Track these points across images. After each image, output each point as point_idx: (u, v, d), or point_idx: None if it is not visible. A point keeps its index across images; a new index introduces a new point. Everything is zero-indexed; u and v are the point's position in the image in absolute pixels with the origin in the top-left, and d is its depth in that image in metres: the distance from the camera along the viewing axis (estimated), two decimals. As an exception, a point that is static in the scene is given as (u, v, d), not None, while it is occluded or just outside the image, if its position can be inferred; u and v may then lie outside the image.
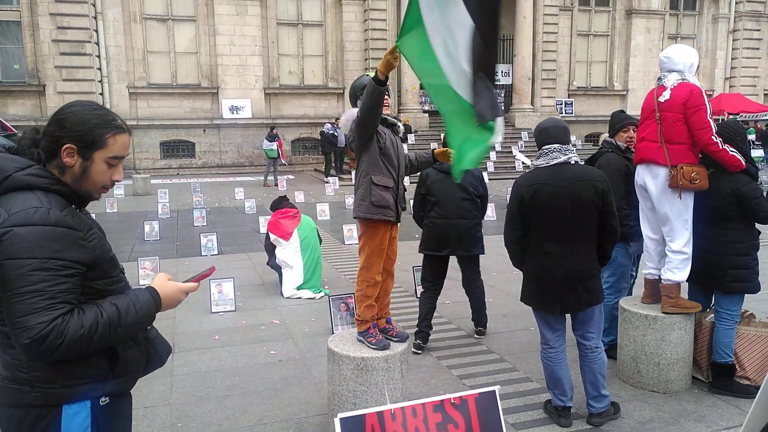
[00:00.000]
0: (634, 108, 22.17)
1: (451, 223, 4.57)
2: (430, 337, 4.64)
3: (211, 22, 19.19)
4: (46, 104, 17.68)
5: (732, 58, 24.00)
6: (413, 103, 20.17)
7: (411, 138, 19.16)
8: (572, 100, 22.73)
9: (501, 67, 21.85)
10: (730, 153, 3.48)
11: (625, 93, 23.20)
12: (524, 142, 19.42)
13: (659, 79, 3.76)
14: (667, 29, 23.35)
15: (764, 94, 24.26)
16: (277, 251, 6.07)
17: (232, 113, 19.61)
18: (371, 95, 2.86)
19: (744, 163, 3.52)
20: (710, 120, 3.48)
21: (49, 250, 1.45)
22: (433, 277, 4.73)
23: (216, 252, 8.09)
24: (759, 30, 23.80)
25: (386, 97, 3.02)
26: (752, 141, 20.96)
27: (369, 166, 3.11)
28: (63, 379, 1.56)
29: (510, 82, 21.56)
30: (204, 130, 19.65)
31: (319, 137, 18.08)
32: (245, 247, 8.53)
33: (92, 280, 1.57)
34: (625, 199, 3.99)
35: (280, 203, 6.57)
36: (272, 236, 6.12)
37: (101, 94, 18.29)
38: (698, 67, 3.65)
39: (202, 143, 19.75)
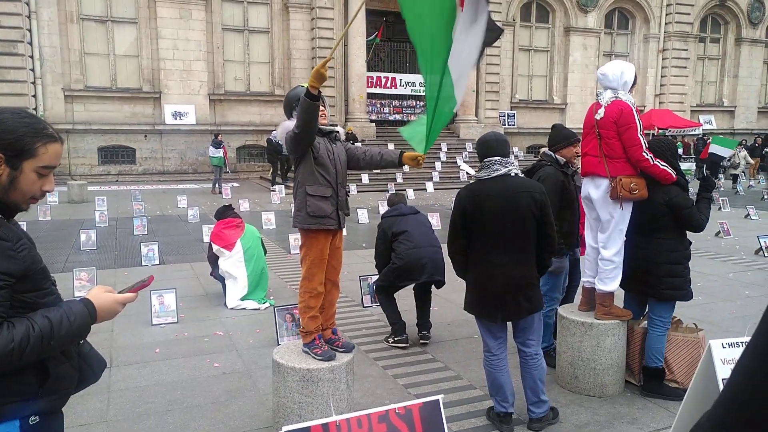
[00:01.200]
0: (572, 121, 23.09)
1: (422, 252, 4.68)
2: (375, 347, 4.67)
3: (154, 25, 18.70)
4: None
5: (662, 76, 25.37)
6: (360, 112, 20.26)
7: (358, 147, 19.19)
8: (515, 112, 23.42)
9: (447, 79, 22.25)
10: (661, 167, 3.69)
11: (564, 106, 24.10)
12: (468, 152, 19.84)
13: (597, 95, 3.94)
14: (602, 47, 24.46)
15: (691, 110, 25.73)
16: (220, 262, 5.96)
17: (176, 119, 19.12)
18: (305, 111, 2.87)
19: (675, 176, 3.73)
20: (640, 137, 3.67)
21: None
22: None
23: (157, 262, 7.85)
24: (686, 50, 25.29)
25: (321, 108, 3.04)
26: (680, 154, 22.25)
27: (304, 177, 3.12)
28: None
29: (455, 94, 21.98)
30: (145, 136, 19.06)
31: (266, 145, 17.87)
32: (188, 256, 8.33)
33: (22, 293, 1.51)
34: (558, 212, 4.15)
35: (224, 213, 6.47)
36: (215, 246, 6.00)
37: (34, 96, 17.47)
38: (634, 83, 3.84)
39: (143, 149, 19.14)
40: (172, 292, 5.51)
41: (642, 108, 25.14)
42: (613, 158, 3.74)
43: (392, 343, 4.78)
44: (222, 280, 6.06)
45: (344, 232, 3.58)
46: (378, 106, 21.55)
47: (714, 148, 15.72)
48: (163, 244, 8.70)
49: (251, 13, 20.04)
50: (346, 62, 20.19)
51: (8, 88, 16.84)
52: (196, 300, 6.19)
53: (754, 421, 0.57)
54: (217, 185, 16.20)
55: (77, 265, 7.07)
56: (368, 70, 20.70)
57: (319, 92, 2.87)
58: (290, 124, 3.19)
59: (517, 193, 3.23)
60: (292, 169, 3.39)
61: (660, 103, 25.19)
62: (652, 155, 3.68)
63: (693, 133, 23.08)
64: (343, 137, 3.43)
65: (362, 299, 6.00)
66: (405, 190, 15.65)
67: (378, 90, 21.44)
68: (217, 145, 15.91)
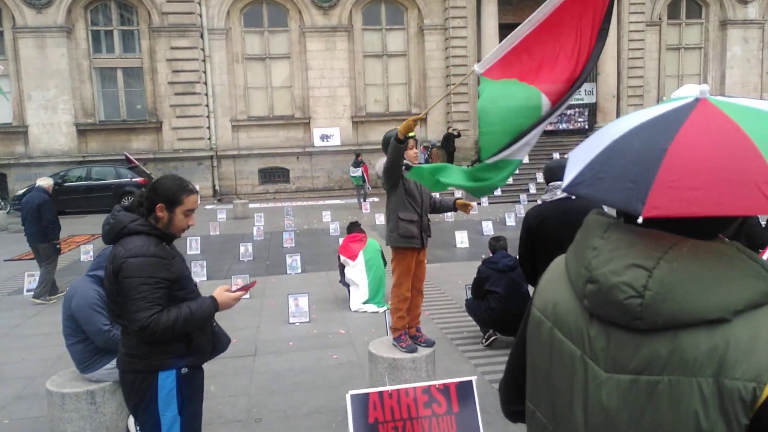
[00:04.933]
0: (731, 122, 21.15)
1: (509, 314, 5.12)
2: (472, 347, 5.24)
3: (304, 58, 20.86)
4: (163, 139, 20.05)
5: None
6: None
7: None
8: (663, 115, 22.03)
9: (584, 86, 21.71)
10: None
11: (721, 106, 22.15)
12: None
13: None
14: (767, 38, 22.10)
15: None
16: (346, 270, 6.92)
17: (323, 141, 21.07)
18: (393, 151, 3.60)
19: None
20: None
21: (148, 272, 2.34)
22: None
23: (300, 270, 9.10)
24: None
25: (412, 148, 3.74)
26: None
27: (396, 204, 3.84)
28: (158, 354, 2.42)
29: (594, 101, 21.39)
30: (297, 158, 21.25)
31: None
32: (325, 266, 9.47)
33: (175, 291, 2.43)
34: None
35: (352, 228, 7.49)
36: (342, 257, 6.99)
37: (208, 127, 20.43)
38: None
39: (295, 169, 21.35)
40: (305, 296, 6.56)
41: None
42: None
43: (485, 344, 5.30)
44: (347, 286, 7.01)
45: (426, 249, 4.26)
46: (512, 118, 21.67)
47: None
48: (306, 255, 9.98)
49: (389, 38, 21.44)
50: (479, 78, 20.65)
51: (189, 123, 19.94)
52: (327, 303, 7.21)
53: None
54: (360, 201, 17.62)
55: (236, 273, 8.52)
56: (502, 83, 20.96)
57: (406, 137, 3.58)
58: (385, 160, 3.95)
59: (574, 214, 3.64)
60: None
61: None
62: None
63: None
64: None
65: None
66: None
67: (512, 102, 21.55)
68: (357, 164, 17.31)
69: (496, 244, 5.76)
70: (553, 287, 1.18)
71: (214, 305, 2.49)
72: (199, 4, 19.76)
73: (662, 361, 0.95)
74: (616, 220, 1.09)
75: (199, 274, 8.59)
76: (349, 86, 21.03)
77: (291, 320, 6.42)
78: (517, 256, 3.97)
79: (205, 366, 2.64)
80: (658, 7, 21.50)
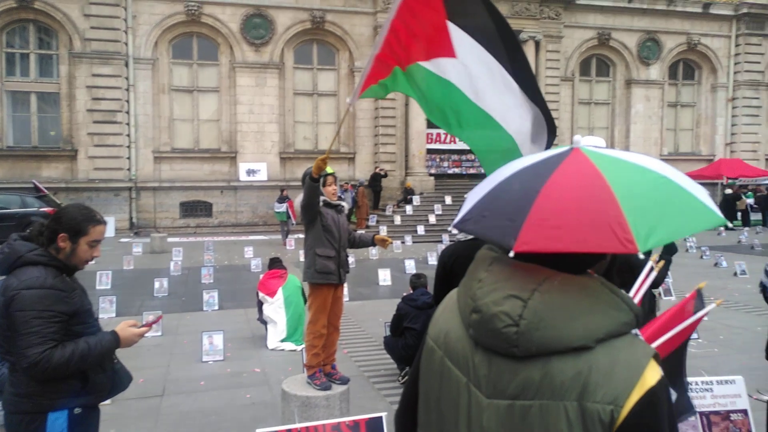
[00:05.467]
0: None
1: None
2: (388, 385, 5.25)
3: (233, 93, 20.72)
4: (78, 167, 19.10)
5: (732, 125, 24.70)
6: (420, 167, 21.18)
7: (417, 199, 20.07)
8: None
9: (505, 133, 22.89)
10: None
11: (627, 158, 23.92)
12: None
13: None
14: (666, 97, 24.29)
15: (766, 159, 24.73)
16: (263, 307, 6.79)
17: (249, 176, 20.80)
18: (307, 189, 3.67)
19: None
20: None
21: (43, 305, 2.22)
22: None
23: (217, 307, 8.83)
24: (758, 98, 24.58)
25: (331, 185, 3.81)
26: (750, 204, 21.39)
27: (313, 240, 3.88)
28: (49, 393, 2.28)
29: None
30: (221, 191, 20.83)
31: (329, 199, 19.05)
32: (244, 303, 9.24)
33: (73, 325, 2.32)
34: None
35: (273, 264, 7.39)
36: (260, 294, 6.86)
37: (128, 158, 19.70)
38: None
39: (219, 203, 20.88)
40: (221, 334, 6.36)
41: (712, 157, 24.50)
42: None
43: (402, 381, 5.34)
44: (265, 324, 6.88)
45: (345, 286, 4.30)
46: (437, 160, 22.40)
47: None
48: (224, 292, 9.71)
49: (320, 78, 21.75)
50: (406, 121, 21.31)
51: (107, 152, 19.17)
52: (243, 341, 7.02)
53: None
54: (284, 237, 17.41)
55: (149, 309, 8.14)
56: (428, 126, 21.71)
57: (320, 176, 3.64)
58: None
59: None
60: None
61: (731, 152, 24.45)
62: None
63: (766, 182, 22.17)
64: (346, 211, 4.19)
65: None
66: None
67: (438, 146, 22.34)
68: (282, 200, 17.19)
69: (417, 281, 5.84)
70: (446, 317, 1.25)
71: (116, 341, 2.39)
72: (126, 32, 19.32)
73: (535, 386, 1.03)
74: (500, 255, 1.18)
75: (107, 310, 8.16)
76: (278, 122, 21.03)
77: (204, 358, 6.19)
78: (433, 294, 4.08)
79: (107, 408, 2.52)
80: (572, 64, 23.18)
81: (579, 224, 1.02)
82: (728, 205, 21.45)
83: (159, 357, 6.31)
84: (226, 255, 14.93)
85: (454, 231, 18.21)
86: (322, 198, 3.82)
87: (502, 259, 1.15)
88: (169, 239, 16.82)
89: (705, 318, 2.01)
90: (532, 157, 1.22)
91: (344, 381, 3.94)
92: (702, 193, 1.11)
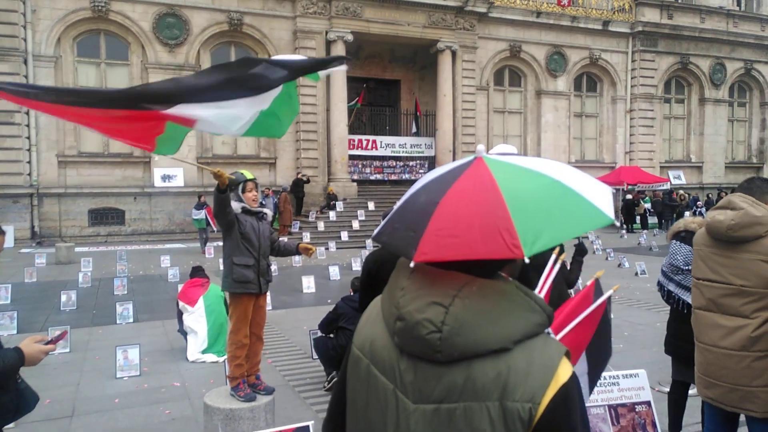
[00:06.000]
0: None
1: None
2: (314, 394, 5.24)
3: (145, 95, 19.80)
4: (-31, 172, 17.56)
5: (630, 134, 26.63)
6: (342, 172, 21.21)
7: (340, 205, 20.09)
8: (492, 170, 24.41)
9: (425, 140, 23.45)
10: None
11: (539, 164, 25.16)
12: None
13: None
14: (573, 108, 25.80)
15: (660, 167, 26.85)
16: (184, 317, 6.56)
17: (164, 182, 19.93)
18: (215, 200, 3.62)
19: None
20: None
21: None
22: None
23: (131, 320, 8.41)
24: (652, 110, 26.67)
25: (251, 191, 3.77)
26: (648, 209, 23.19)
27: (230, 249, 3.82)
28: None
29: (433, 154, 23.10)
30: (135, 198, 19.86)
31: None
32: (161, 314, 8.86)
33: None
34: None
35: (194, 273, 7.16)
36: (180, 303, 6.63)
37: (29, 162, 18.35)
38: None
39: (132, 211, 19.89)
40: (136, 348, 6.08)
41: (613, 165, 26.26)
42: None
43: (327, 387, 5.34)
44: (185, 335, 6.64)
45: (268, 295, 4.25)
46: (360, 166, 22.54)
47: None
48: (139, 303, 9.28)
49: (238, 81, 21.25)
50: (328, 127, 21.28)
51: (4, 156, 17.76)
52: (161, 354, 6.74)
53: None
54: (202, 245, 16.86)
55: (55, 325, 7.63)
56: (350, 133, 21.81)
57: (227, 187, 3.59)
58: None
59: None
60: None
61: (630, 160, 26.32)
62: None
63: (661, 188, 24.08)
64: (269, 218, 4.15)
65: (312, 352, 6.56)
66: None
67: (360, 152, 22.48)
68: (200, 206, 16.66)
69: (358, 283, 5.86)
70: (371, 326, 1.29)
71: (20, 358, 2.23)
72: (24, 27, 18.02)
73: (459, 389, 1.09)
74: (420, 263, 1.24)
75: (7, 326, 7.57)
76: (194, 126, 20.32)
77: (118, 375, 5.89)
78: (358, 300, 4.13)
79: None
80: (486, 74, 24.10)
81: (471, 232, 1.07)
82: (628, 210, 23.09)
83: (67, 375, 5.94)
84: (141, 265, 14.25)
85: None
86: (240, 204, 3.77)
87: (423, 266, 1.20)
88: (77, 249, 15.81)
89: (610, 307, 2.17)
90: (440, 168, 1.30)
91: (269, 391, 3.90)
92: (595, 193, 1.16)
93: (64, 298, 9.30)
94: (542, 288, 2.08)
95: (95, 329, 7.97)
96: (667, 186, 24.16)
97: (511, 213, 1.07)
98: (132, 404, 5.21)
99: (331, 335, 5.49)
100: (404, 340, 1.16)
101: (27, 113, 18.29)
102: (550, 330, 1.23)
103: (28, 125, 18.38)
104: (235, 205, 3.73)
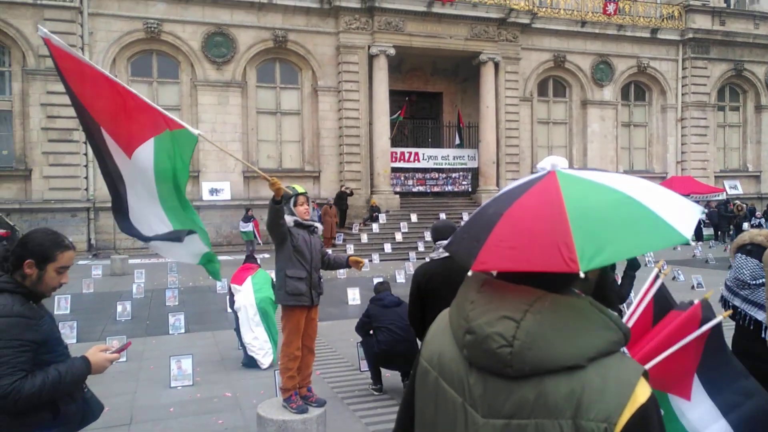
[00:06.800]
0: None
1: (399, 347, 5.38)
2: (363, 406, 5.25)
3: (195, 111, 20.46)
4: (32, 188, 18.47)
5: (682, 144, 25.81)
6: (385, 185, 21.31)
7: (383, 218, 20.16)
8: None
9: (467, 152, 23.32)
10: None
11: (585, 175, 24.63)
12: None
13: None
14: (620, 117, 25.23)
15: (715, 176, 25.89)
16: (235, 297, 6.90)
17: (212, 195, 20.49)
18: (270, 211, 3.69)
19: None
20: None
21: (11, 334, 2.16)
22: None
23: (183, 330, 8.62)
24: (705, 118, 25.80)
25: (303, 205, 3.82)
26: (702, 221, 22.33)
27: (283, 262, 3.87)
28: (19, 427, 2.21)
29: (476, 165, 22.93)
30: (184, 211, 20.41)
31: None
32: (211, 325, 9.07)
33: (41, 354, 2.25)
34: None
35: (246, 260, 7.80)
36: (232, 285, 7.04)
37: (86, 177, 19.16)
38: None
39: (181, 224, 20.44)
40: (189, 358, 6.22)
41: (664, 175, 25.47)
42: None
43: (373, 388, 5.44)
44: (236, 315, 6.87)
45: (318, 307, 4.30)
46: (402, 179, 22.59)
47: None
48: (190, 314, 9.50)
49: (283, 97, 21.74)
50: (371, 140, 21.45)
51: (63, 171, 18.61)
52: (212, 365, 6.88)
53: None
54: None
55: (112, 334, 7.90)
56: (392, 145, 21.92)
57: (282, 198, 3.66)
58: None
59: (457, 273, 3.88)
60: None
61: (682, 170, 25.50)
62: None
63: (717, 198, 23.19)
64: (320, 232, 4.20)
65: (360, 364, 6.57)
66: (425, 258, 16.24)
67: (402, 164, 22.55)
68: (247, 219, 17.01)
69: (381, 287, 6.18)
70: (439, 338, 1.29)
71: (87, 367, 2.31)
72: (82, 49, 18.91)
73: (530, 405, 1.07)
74: (491, 277, 1.23)
75: (68, 336, 7.85)
76: (241, 141, 20.86)
77: (172, 384, 6.04)
78: (408, 313, 4.12)
79: (73, 439, 2.43)
80: (530, 85, 23.86)
81: (531, 245, 1.07)
82: (681, 221, 22.24)
83: (124, 384, 6.12)
84: (190, 276, 14.60)
85: (422, 248, 18.35)
86: (293, 218, 3.83)
87: (493, 280, 1.19)
88: (131, 261, 16.37)
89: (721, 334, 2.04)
90: (516, 181, 1.30)
91: (321, 403, 3.92)
92: (672, 210, 1.13)
93: (119, 308, 9.63)
94: (640, 303, 2.01)
95: (149, 339, 8.20)
96: (722, 196, 23.24)
97: (572, 227, 1.06)
98: (186, 413, 5.32)
99: (370, 333, 5.70)
100: (474, 353, 1.15)
101: (85, 131, 19.12)
102: (625, 349, 1.20)
103: (85, 142, 19.17)
104: (288, 219, 3.79)
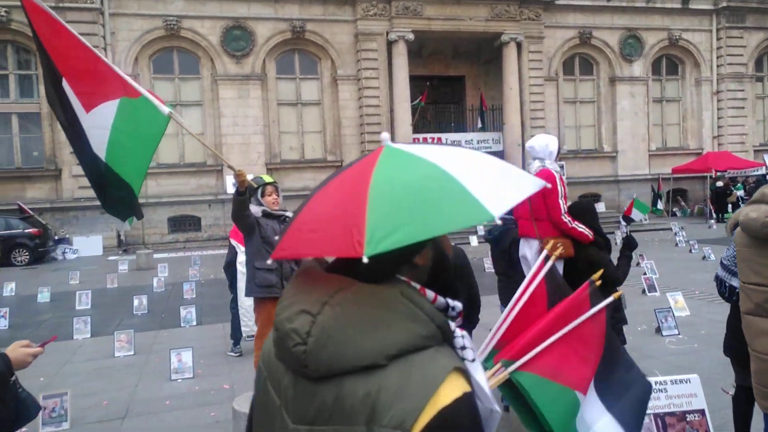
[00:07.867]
0: (624, 168, 22.96)
1: None
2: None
3: (216, 106, 20.67)
4: (62, 187, 19.00)
5: (718, 117, 24.72)
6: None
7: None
8: (563, 162, 23.43)
9: (492, 135, 22.88)
10: (579, 230, 4.08)
11: (615, 154, 23.91)
12: (515, 206, 20.05)
13: (528, 165, 4.44)
14: (651, 93, 24.31)
15: (754, 150, 24.73)
16: (238, 257, 6.73)
17: (236, 188, 20.68)
18: (233, 203, 3.60)
19: (592, 237, 4.10)
20: (560, 202, 4.10)
21: None
22: None
23: (195, 323, 8.71)
24: (743, 90, 24.62)
25: (271, 195, 3.73)
26: (740, 197, 21.34)
27: (252, 254, 3.79)
28: None
29: (501, 149, 22.48)
30: (209, 205, 20.73)
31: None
32: (224, 317, 9.03)
33: None
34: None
35: None
36: (233, 242, 6.93)
37: (113, 175, 19.58)
38: (558, 152, 4.35)
39: (207, 217, 20.79)
40: (189, 350, 6.25)
41: (700, 151, 24.49)
42: (540, 220, 4.17)
43: None
44: (233, 277, 6.95)
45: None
46: (425, 165, 22.32)
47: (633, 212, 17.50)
48: (207, 306, 9.60)
49: (303, 87, 21.72)
50: (392, 126, 21.26)
51: (92, 170, 19.06)
52: (217, 356, 6.90)
53: None
54: (271, 248, 17.35)
55: (127, 328, 8.02)
56: (414, 131, 21.67)
57: (246, 190, 3.57)
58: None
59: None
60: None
61: (719, 144, 24.45)
62: (570, 218, 4.08)
63: (756, 173, 22.16)
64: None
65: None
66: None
67: (424, 150, 22.25)
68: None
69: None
70: (271, 336, 1.16)
71: (5, 364, 2.23)
72: (105, 49, 19.27)
73: (328, 410, 0.94)
74: (312, 263, 1.09)
75: (81, 330, 8.03)
76: (263, 134, 20.97)
77: (173, 377, 6.07)
78: None
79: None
80: (555, 64, 23.19)
81: (331, 228, 0.94)
82: (719, 199, 21.41)
83: (127, 377, 6.19)
84: (213, 269, 14.77)
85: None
86: (261, 208, 3.74)
87: (311, 269, 1.06)
88: (156, 255, 16.69)
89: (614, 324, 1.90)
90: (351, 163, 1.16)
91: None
92: (488, 186, 0.97)
93: (136, 302, 9.79)
94: (526, 288, 1.85)
95: (161, 332, 8.31)
96: (762, 171, 22.16)
97: (368, 207, 0.92)
98: (182, 406, 5.34)
99: None
100: (278, 352, 1.03)
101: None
102: (467, 341, 1.04)
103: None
104: (255, 209, 3.71)
